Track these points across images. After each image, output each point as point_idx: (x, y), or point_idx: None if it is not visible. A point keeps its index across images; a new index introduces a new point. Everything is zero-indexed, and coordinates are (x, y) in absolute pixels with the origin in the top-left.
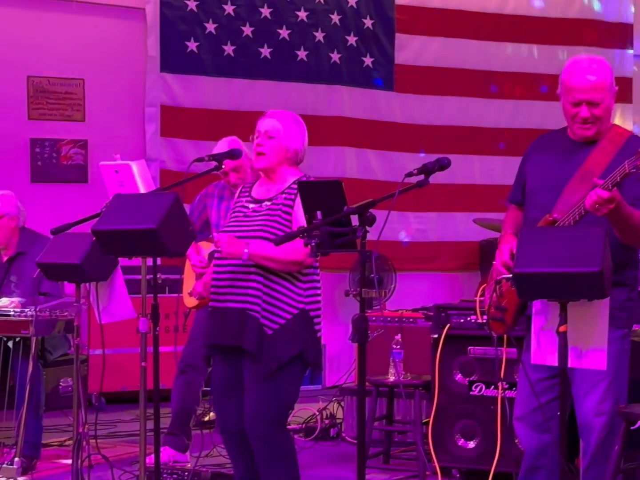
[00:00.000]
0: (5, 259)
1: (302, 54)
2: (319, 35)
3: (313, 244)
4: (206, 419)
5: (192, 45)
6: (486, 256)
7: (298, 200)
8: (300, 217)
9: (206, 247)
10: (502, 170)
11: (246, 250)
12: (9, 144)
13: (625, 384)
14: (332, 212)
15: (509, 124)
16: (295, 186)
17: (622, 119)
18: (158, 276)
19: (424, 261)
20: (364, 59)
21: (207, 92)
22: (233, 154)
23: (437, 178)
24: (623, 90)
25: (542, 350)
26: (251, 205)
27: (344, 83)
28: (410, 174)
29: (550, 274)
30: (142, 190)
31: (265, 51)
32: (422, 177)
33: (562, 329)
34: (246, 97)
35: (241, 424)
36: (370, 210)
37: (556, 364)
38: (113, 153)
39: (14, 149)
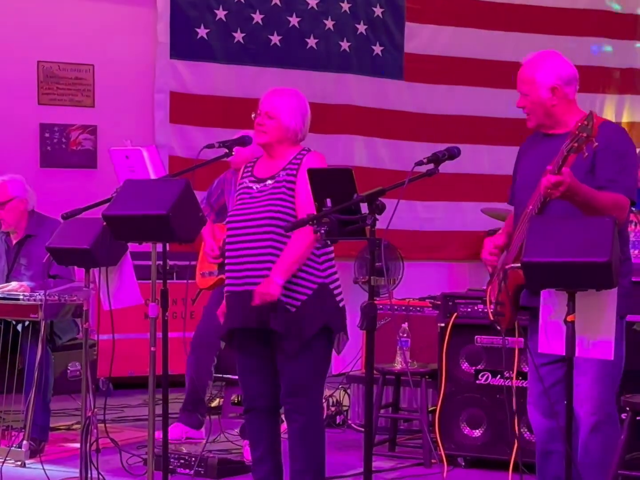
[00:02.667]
0: (14, 242)
1: (311, 41)
2: (329, 23)
3: (322, 231)
4: (213, 404)
5: (202, 31)
6: None
7: (301, 172)
8: (303, 191)
9: (223, 230)
10: (510, 160)
11: (276, 280)
12: (19, 129)
13: (619, 368)
14: (342, 200)
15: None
16: (297, 160)
17: (631, 110)
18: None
19: (431, 250)
20: (373, 47)
21: (217, 79)
22: (243, 141)
23: (445, 167)
24: (631, 81)
25: (550, 340)
26: (255, 186)
27: (354, 71)
28: (420, 163)
29: (559, 264)
30: (152, 176)
31: (275, 38)
32: (431, 165)
33: (570, 318)
34: (255, 84)
35: (267, 401)
36: (380, 198)
37: (563, 353)
38: (122, 139)
39: (24, 134)
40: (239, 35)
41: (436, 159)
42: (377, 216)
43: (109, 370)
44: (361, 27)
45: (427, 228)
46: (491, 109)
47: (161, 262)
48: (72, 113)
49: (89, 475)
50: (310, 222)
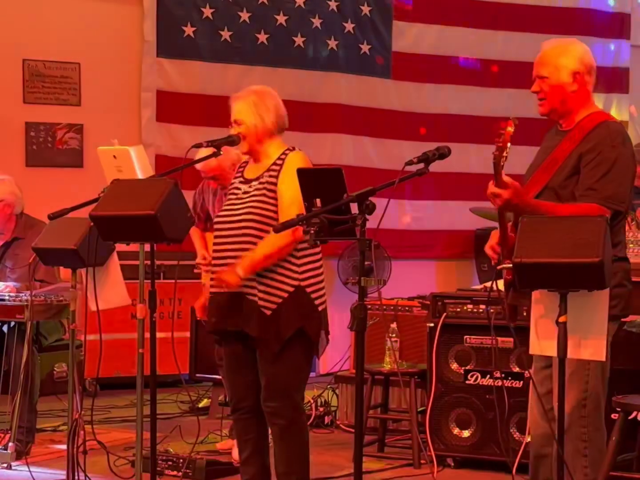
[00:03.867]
0: (0, 244)
1: (299, 40)
2: (316, 22)
3: (312, 231)
4: (200, 405)
5: (188, 30)
6: (481, 245)
7: (283, 173)
8: (285, 193)
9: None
10: None
11: (239, 271)
12: (4, 128)
13: (599, 372)
14: (332, 200)
15: (505, 112)
16: (280, 162)
17: (618, 108)
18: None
19: (419, 249)
20: (361, 46)
21: (204, 78)
22: (231, 140)
23: (433, 166)
24: (619, 80)
25: (541, 341)
26: (242, 187)
27: (341, 70)
28: (410, 162)
29: (551, 264)
30: (140, 175)
31: (262, 37)
32: (421, 165)
33: (561, 319)
34: (242, 82)
35: (253, 401)
36: (369, 198)
37: (554, 354)
38: (109, 138)
39: (9, 133)
40: (226, 34)
41: (426, 158)
42: (367, 216)
43: (96, 371)
44: (349, 26)
45: (415, 227)
46: (479, 107)
47: (149, 262)
48: (58, 112)
49: (77, 477)
50: (300, 223)
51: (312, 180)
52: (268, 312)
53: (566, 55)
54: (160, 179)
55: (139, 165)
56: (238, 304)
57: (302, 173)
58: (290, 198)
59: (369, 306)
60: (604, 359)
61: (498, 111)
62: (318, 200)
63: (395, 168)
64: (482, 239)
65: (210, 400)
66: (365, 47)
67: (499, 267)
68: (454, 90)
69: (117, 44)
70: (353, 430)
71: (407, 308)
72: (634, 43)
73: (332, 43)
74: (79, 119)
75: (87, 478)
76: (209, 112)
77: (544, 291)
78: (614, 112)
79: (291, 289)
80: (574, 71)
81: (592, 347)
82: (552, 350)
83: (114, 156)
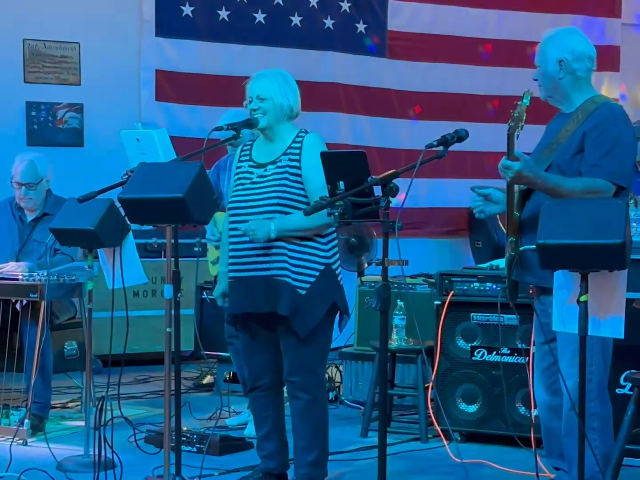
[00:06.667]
0: (30, 219)
1: (296, 19)
2: (313, 1)
3: (336, 213)
4: (204, 381)
5: (187, 9)
6: (475, 223)
7: (304, 157)
8: (312, 177)
9: (221, 218)
10: (491, 137)
11: (272, 228)
12: (5, 107)
13: (600, 347)
14: (355, 182)
15: (499, 91)
16: (297, 144)
17: (609, 87)
18: (153, 241)
19: (414, 227)
20: (357, 25)
21: (202, 57)
22: (250, 122)
23: (423, 143)
24: (610, 58)
25: (564, 318)
26: (256, 171)
27: (337, 49)
28: (430, 145)
29: (574, 245)
30: (162, 158)
31: (260, 16)
32: (440, 147)
33: (582, 298)
34: (240, 62)
35: (271, 379)
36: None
37: (576, 332)
38: (108, 117)
39: (10, 113)
40: (223, 13)
41: (445, 141)
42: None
43: (124, 347)
44: (345, 5)
45: (408, 205)
46: (473, 86)
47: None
48: (58, 91)
49: (103, 453)
50: (328, 205)
51: (336, 163)
52: (303, 291)
53: (553, 45)
54: (188, 162)
55: (161, 148)
56: (268, 287)
57: (325, 156)
58: (322, 182)
59: (373, 284)
60: (622, 336)
61: (492, 90)
62: (341, 183)
63: (390, 146)
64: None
65: (213, 376)
66: (361, 26)
67: (521, 249)
68: (448, 69)
69: (116, 23)
70: (358, 406)
71: (410, 286)
72: (624, 21)
73: (329, 22)
74: (79, 98)
75: (114, 454)
76: (207, 91)
77: (565, 271)
78: (604, 91)
79: (322, 267)
80: (559, 59)
81: (611, 325)
82: (575, 328)
83: (137, 139)
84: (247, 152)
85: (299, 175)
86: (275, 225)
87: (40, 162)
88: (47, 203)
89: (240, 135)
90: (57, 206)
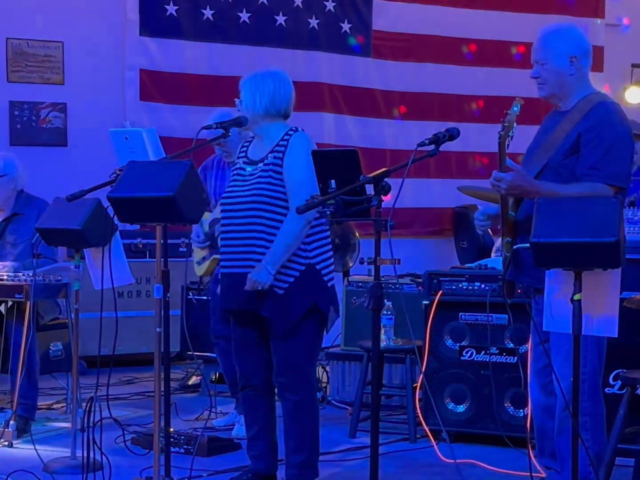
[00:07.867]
0: (0, 220)
1: (280, 19)
2: (298, 1)
3: (328, 212)
4: (190, 382)
5: (171, 8)
6: (460, 223)
7: (287, 155)
8: (291, 177)
9: (206, 217)
10: (476, 137)
11: (268, 271)
12: None
13: (595, 348)
14: (346, 181)
15: (484, 91)
16: (284, 142)
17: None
18: (138, 241)
19: (399, 227)
20: (342, 24)
21: (186, 57)
22: (239, 121)
23: (409, 144)
24: (594, 59)
25: (555, 318)
26: (248, 168)
27: (322, 49)
28: (422, 144)
29: (568, 244)
30: (152, 157)
31: (244, 16)
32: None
33: (576, 297)
34: (225, 61)
35: (262, 379)
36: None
37: (569, 331)
38: (92, 116)
39: None
40: (208, 13)
41: (437, 139)
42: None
43: (112, 349)
44: (329, 5)
45: (396, 205)
46: (458, 86)
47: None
48: (41, 91)
49: (91, 454)
50: (320, 204)
51: (327, 161)
52: (280, 292)
53: (564, 40)
54: (178, 161)
55: (150, 147)
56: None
57: (317, 155)
58: (299, 180)
59: (360, 283)
60: (616, 335)
61: (477, 90)
62: (332, 181)
63: (375, 146)
64: (461, 216)
65: (199, 377)
66: (345, 26)
67: (514, 247)
68: (433, 69)
69: (100, 22)
70: (345, 407)
71: (397, 285)
72: (608, 22)
73: (313, 22)
74: (63, 97)
75: (102, 456)
76: (191, 91)
77: (558, 270)
78: None
79: (302, 268)
80: (572, 56)
81: (605, 323)
82: (566, 327)
83: (126, 138)
84: (245, 149)
85: (282, 173)
86: (268, 261)
87: (5, 159)
88: (18, 203)
89: (230, 134)
90: (28, 206)
